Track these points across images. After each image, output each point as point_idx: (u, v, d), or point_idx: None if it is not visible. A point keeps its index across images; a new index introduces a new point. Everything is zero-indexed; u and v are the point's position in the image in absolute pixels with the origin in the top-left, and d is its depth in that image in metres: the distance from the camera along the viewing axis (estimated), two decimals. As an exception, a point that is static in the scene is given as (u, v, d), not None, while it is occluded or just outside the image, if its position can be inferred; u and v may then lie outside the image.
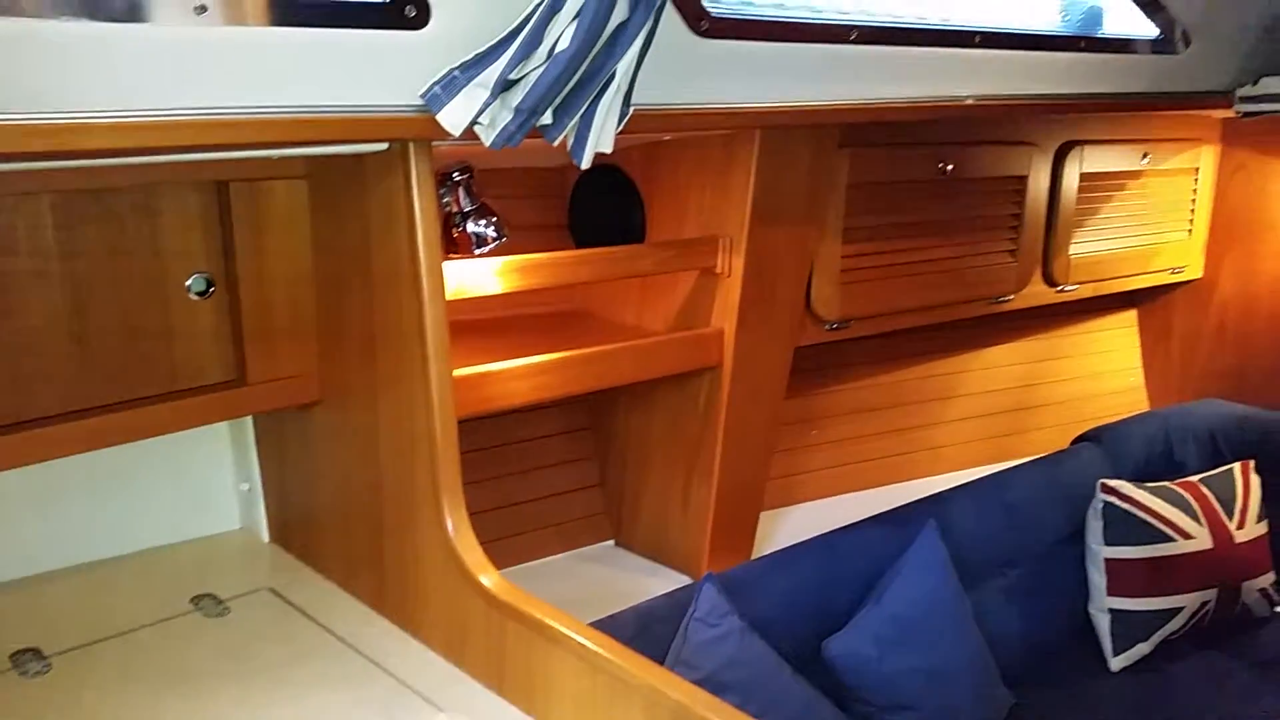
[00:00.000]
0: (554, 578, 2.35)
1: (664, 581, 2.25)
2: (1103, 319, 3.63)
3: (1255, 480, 3.07)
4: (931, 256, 2.53)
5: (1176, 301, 3.61)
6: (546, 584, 2.30)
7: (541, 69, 1.25)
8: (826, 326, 2.38)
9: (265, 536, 2.01)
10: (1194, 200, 3.36)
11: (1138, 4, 1.97)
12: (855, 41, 1.65)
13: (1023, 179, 2.70)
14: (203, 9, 1.12)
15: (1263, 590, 2.95)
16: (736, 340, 2.12)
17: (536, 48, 1.23)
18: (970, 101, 1.88)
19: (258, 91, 1.23)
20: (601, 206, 2.31)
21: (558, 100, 1.31)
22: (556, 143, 1.37)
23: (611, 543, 2.51)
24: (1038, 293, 2.94)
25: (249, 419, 1.93)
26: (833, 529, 2.39)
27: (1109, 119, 2.86)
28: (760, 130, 1.93)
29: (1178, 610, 2.76)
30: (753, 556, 2.43)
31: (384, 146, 1.47)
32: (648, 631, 1.92)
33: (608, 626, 1.85)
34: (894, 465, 3.11)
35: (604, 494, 2.51)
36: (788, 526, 2.69)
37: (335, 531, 1.81)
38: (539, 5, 1.21)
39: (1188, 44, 2.16)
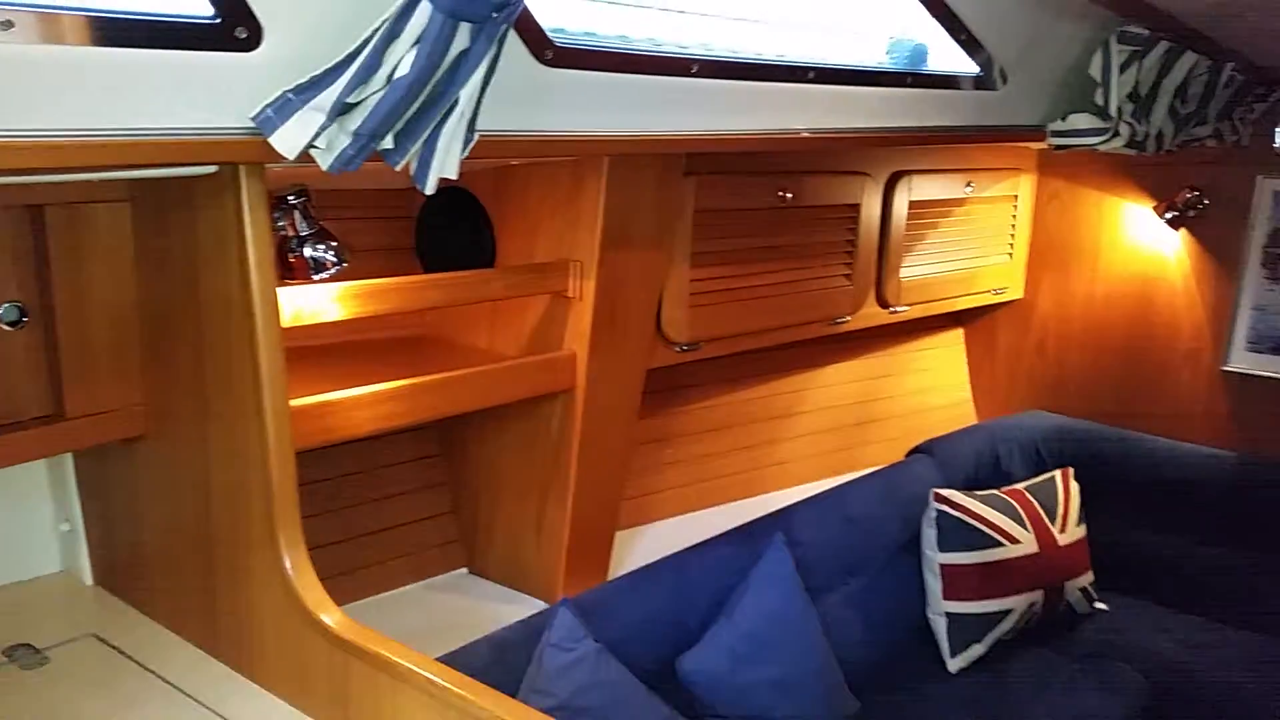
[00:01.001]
0: (406, 609, 2.30)
1: (520, 608, 2.23)
2: (933, 337, 3.84)
3: (1074, 486, 3.31)
4: (775, 280, 2.62)
5: (1000, 320, 3.85)
6: (398, 616, 2.24)
7: (381, 93, 1.23)
8: (677, 348, 2.42)
9: (88, 579, 1.88)
10: (1014, 226, 3.61)
11: (958, 43, 2.10)
12: (696, 75, 1.70)
13: (856, 206, 2.83)
14: (8, 24, 1.05)
15: (1083, 589, 3.18)
16: (589, 363, 2.13)
17: (375, 72, 1.21)
18: (805, 134, 1.97)
19: (77, 114, 1.16)
20: (450, 230, 2.29)
21: (399, 125, 1.29)
22: (399, 168, 1.34)
23: (465, 571, 2.47)
24: (872, 314, 3.08)
25: (69, 455, 1.81)
26: (685, 547, 2.43)
27: (934, 150, 3.04)
28: (608, 158, 1.96)
29: (1008, 611, 2.94)
30: (609, 578, 2.44)
31: (213, 169, 1.41)
32: (502, 660, 1.90)
33: (460, 658, 1.82)
34: (744, 481, 3.19)
35: (457, 521, 2.47)
36: (643, 546, 2.72)
37: (164, 572, 1.71)
38: (377, 30, 1.19)
39: (1005, 81, 2.32)
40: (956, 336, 3.96)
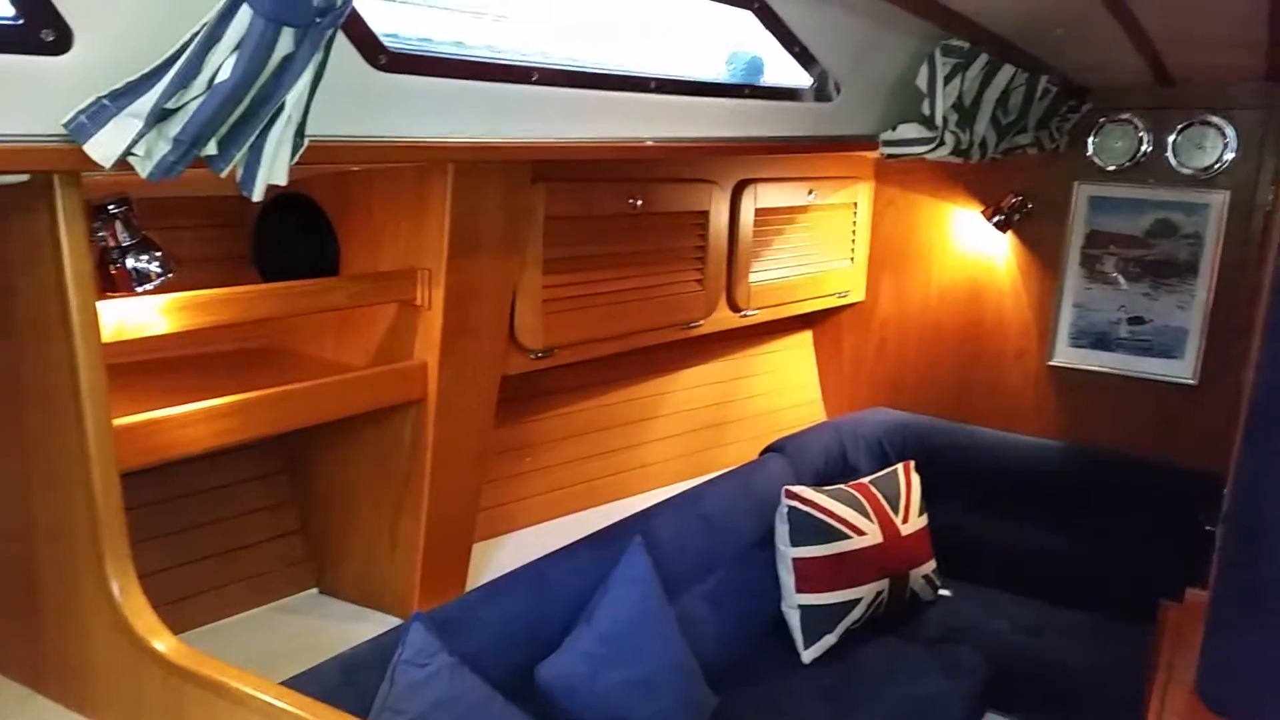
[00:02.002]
0: (254, 633, 2.21)
1: (374, 626, 2.18)
2: (783, 339, 3.97)
3: (915, 478, 3.48)
4: (628, 286, 2.66)
5: (844, 322, 4.02)
6: (245, 641, 2.16)
7: (201, 99, 1.19)
8: (532, 355, 2.42)
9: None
10: (854, 232, 3.77)
11: (793, 55, 2.19)
12: (538, 83, 1.70)
13: (705, 214, 2.90)
14: None
15: (926, 577, 3.34)
16: (440, 372, 2.11)
17: (194, 77, 1.17)
18: (651, 143, 2.00)
19: None
20: (290, 238, 2.22)
21: (223, 131, 1.25)
22: (224, 174, 1.30)
23: (316, 591, 2.39)
24: (724, 318, 3.16)
25: None
26: (545, 554, 2.43)
27: (778, 159, 3.15)
28: (454, 164, 1.94)
29: (857, 601, 3.06)
30: (467, 591, 2.42)
31: (25, 178, 1.33)
32: (354, 681, 1.85)
33: (308, 680, 1.76)
34: (605, 486, 3.21)
35: (305, 540, 2.39)
36: (504, 556, 2.70)
37: (-19, 607, 1.60)
38: (196, 34, 1.15)
39: (839, 92, 2.42)
40: (805, 338, 4.11)
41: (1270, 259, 1.96)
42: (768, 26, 2.04)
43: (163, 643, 1.38)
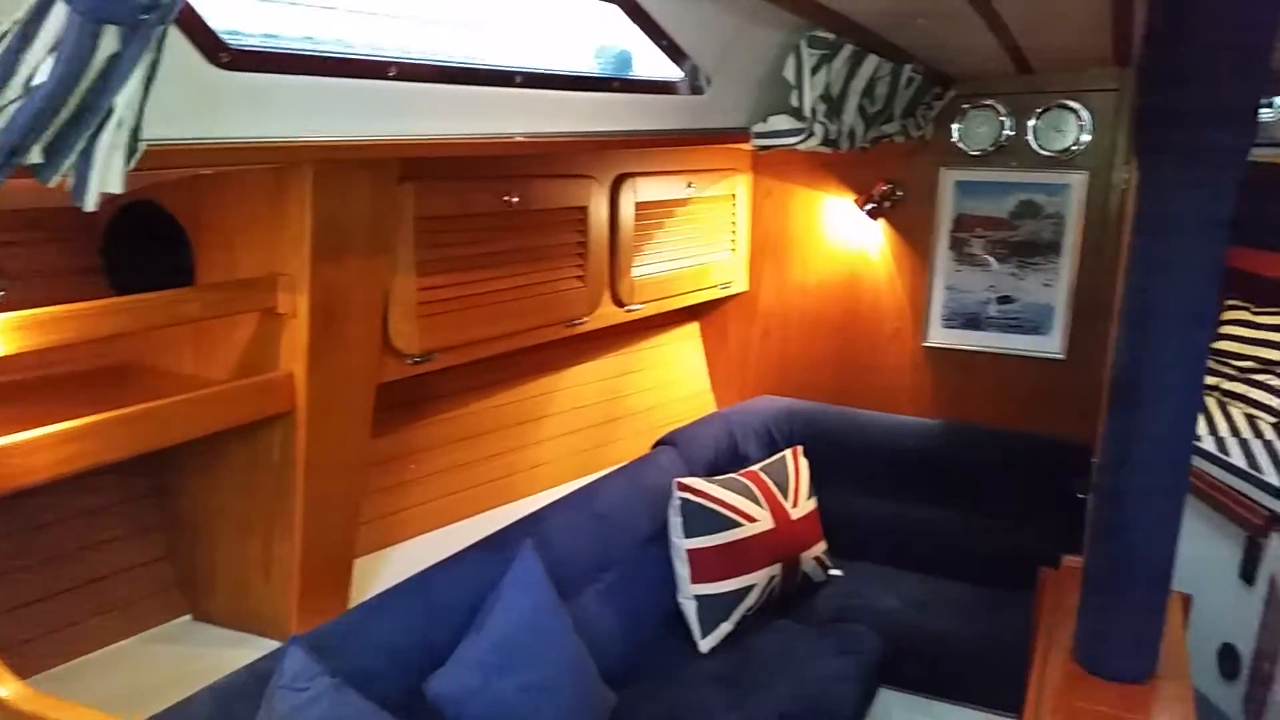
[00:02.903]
0: (121, 667, 2.09)
1: (251, 651, 2.07)
2: (670, 332, 3.98)
3: (804, 463, 3.53)
4: (507, 285, 2.61)
5: (730, 313, 4.05)
6: (113, 675, 2.05)
7: (19, 104, 1.09)
8: (409, 360, 2.35)
9: None
10: (734, 223, 3.80)
11: (661, 49, 2.17)
12: (395, 78, 1.64)
13: (584, 209, 2.87)
14: None
15: (817, 558, 3.40)
16: (309, 383, 2.03)
17: (8, 80, 1.07)
18: (520, 138, 1.96)
19: None
20: (142, 247, 2.10)
21: (48, 137, 1.16)
22: (53, 183, 1.20)
23: (189, 618, 2.28)
24: (609, 314, 3.14)
25: None
26: (432, 564, 2.37)
27: (656, 153, 3.15)
28: (313, 165, 1.86)
29: (751, 587, 3.09)
30: (351, 607, 2.34)
31: None
32: (228, 711, 1.76)
33: (178, 714, 1.67)
34: (497, 489, 3.16)
35: (176, 565, 2.27)
36: (392, 569, 2.62)
37: None
38: (7, 33, 1.06)
39: (709, 85, 2.43)
40: (693, 330, 4.13)
41: (1125, 238, 2.05)
42: (634, 20, 2.02)
43: (6, 688, 1.28)
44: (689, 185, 3.41)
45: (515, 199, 2.54)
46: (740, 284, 3.94)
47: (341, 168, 1.91)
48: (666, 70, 2.31)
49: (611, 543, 2.94)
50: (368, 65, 1.60)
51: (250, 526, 2.16)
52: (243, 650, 2.10)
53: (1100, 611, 2.13)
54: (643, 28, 2.07)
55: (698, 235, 3.59)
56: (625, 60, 2.18)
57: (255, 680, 1.80)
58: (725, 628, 3.02)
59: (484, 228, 2.51)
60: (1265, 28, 1.78)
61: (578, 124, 2.15)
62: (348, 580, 2.34)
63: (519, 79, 1.87)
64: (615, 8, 1.96)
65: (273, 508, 2.13)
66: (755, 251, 3.95)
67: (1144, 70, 1.84)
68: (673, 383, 4.02)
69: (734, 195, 3.76)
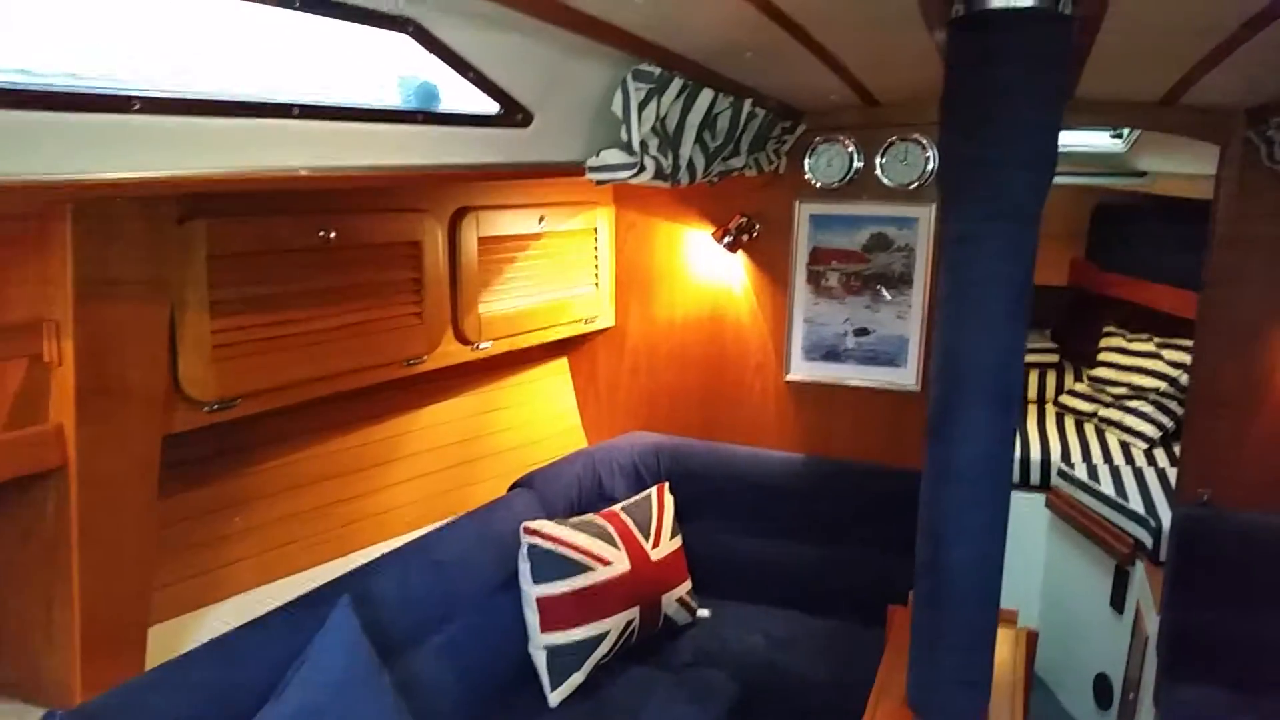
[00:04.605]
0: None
1: (24, 727, 1.92)
2: (537, 368, 3.89)
3: (669, 499, 3.46)
4: (325, 325, 2.48)
5: (598, 347, 3.98)
6: None
7: None
8: (205, 408, 2.20)
9: None
10: (597, 256, 3.74)
11: (471, 82, 2.09)
12: (140, 111, 1.53)
13: (417, 244, 2.77)
14: None
15: (680, 599, 3.32)
16: (79, 435, 1.88)
17: None
18: (304, 172, 1.86)
19: None
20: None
21: None
22: None
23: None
24: (453, 352, 3.03)
25: None
26: (236, 626, 2.22)
27: (501, 186, 3.06)
28: (72, 204, 1.73)
29: (605, 634, 2.99)
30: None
31: None
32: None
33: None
34: (337, 539, 3.00)
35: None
36: (207, 629, 2.46)
37: None
38: None
39: (532, 119, 2.35)
40: (561, 365, 4.04)
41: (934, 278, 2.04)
42: (431, 51, 1.94)
43: None
44: (541, 220, 3.33)
45: (333, 234, 2.42)
46: (606, 318, 3.87)
47: (107, 207, 1.78)
48: (482, 103, 2.23)
49: (455, 592, 2.82)
50: (108, 100, 1.48)
51: (27, 587, 1.99)
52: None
53: (926, 651, 2.09)
54: (443, 59, 1.98)
55: (555, 270, 3.51)
56: (429, 93, 2.08)
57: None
58: (577, 678, 2.91)
59: (297, 264, 2.38)
60: (1058, 70, 1.79)
61: (380, 157, 2.04)
62: (142, 644, 2.17)
63: (297, 111, 1.76)
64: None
65: (49, 568, 1.97)
66: (621, 285, 3.89)
67: (944, 113, 1.83)
68: (541, 420, 3.92)
69: (595, 229, 3.70)
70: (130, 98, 1.50)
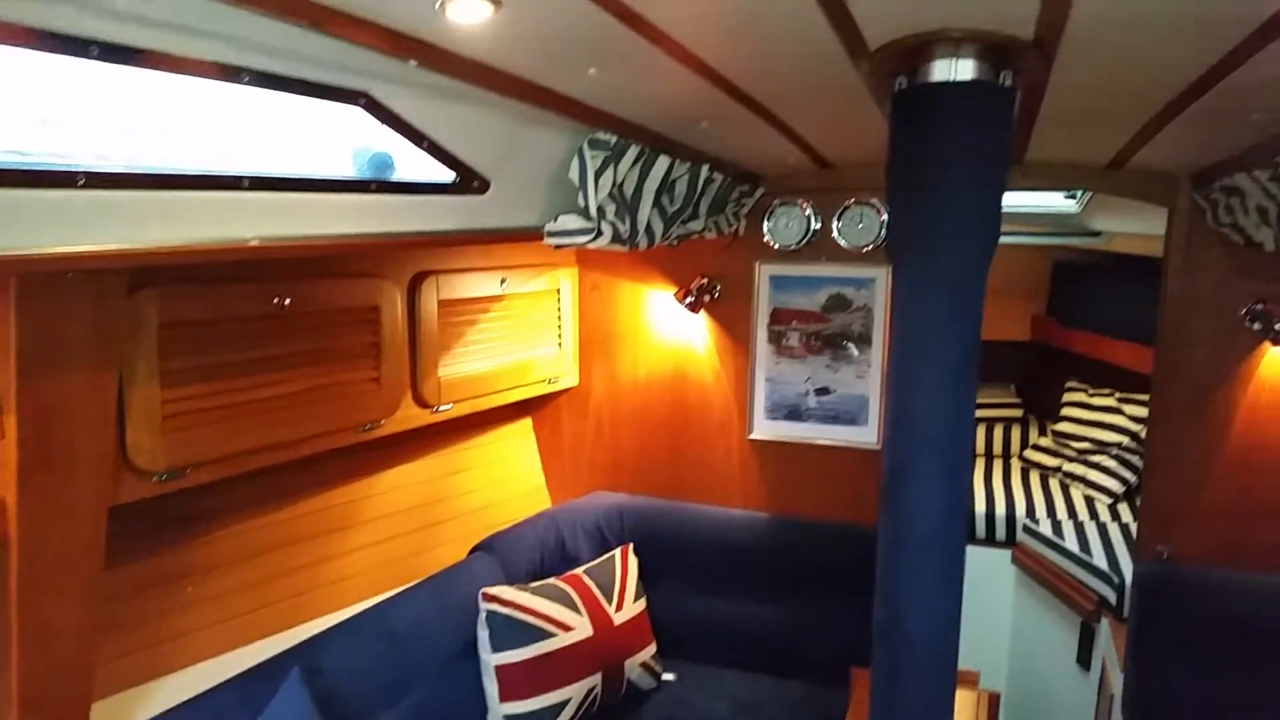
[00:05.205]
0: None
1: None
2: (502, 429, 3.87)
3: (634, 561, 3.43)
4: (279, 392, 2.46)
5: (562, 407, 3.97)
6: None
7: None
8: (154, 478, 2.17)
9: None
10: (560, 317, 3.75)
11: (426, 151, 2.11)
12: (86, 187, 1.53)
13: (375, 309, 2.77)
14: None
15: (645, 664, 3.28)
16: (20, 510, 1.84)
17: None
18: (256, 243, 1.86)
19: None
20: None
21: None
22: None
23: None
24: (412, 415, 3.01)
25: None
26: (183, 701, 2.16)
27: (459, 250, 3.07)
28: (16, 277, 1.72)
29: (565, 703, 2.94)
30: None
31: None
32: None
33: None
34: (292, 608, 2.94)
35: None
36: (155, 704, 2.39)
37: None
38: None
39: (489, 186, 2.37)
40: (526, 426, 4.02)
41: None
42: (384, 122, 1.96)
43: None
44: (503, 281, 3.34)
45: (288, 301, 2.42)
46: (570, 378, 3.87)
47: (53, 279, 1.77)
48: (437, 172, 2.24)
49: (412, 663, 2.77)
50: (51, 177, 1.48)
51: (-36, 666, 1.93)
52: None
53: (885, 715, 2.07)
54: (398, 130, 2.00)
55: (518, 330, 3.52)
56: (383, 162, 2.10)
57: None
58: (536, 747, 2.86)
59: (251, 332, 2.37)
60: (999, 139, 1.83)
61: (334, 227, 2.05)
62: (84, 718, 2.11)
63: (247, 183, 1.77)
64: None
65: (-13, 645, 1.91)
66: (585, 345, 3.90)
67: (889, 181, 1.86)
68: (505, 480, 3.89)
69: (558, 289, 3.71)
70: (75, 173, 1.50)
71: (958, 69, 1.66)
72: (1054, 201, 4.41)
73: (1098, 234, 4.83)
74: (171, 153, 1.72)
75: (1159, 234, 3.26)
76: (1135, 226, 4.28)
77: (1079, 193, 4.28)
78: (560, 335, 3.76)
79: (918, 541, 1.94)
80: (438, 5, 1.35)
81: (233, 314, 2.31)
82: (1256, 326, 3.04)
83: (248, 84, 1.56)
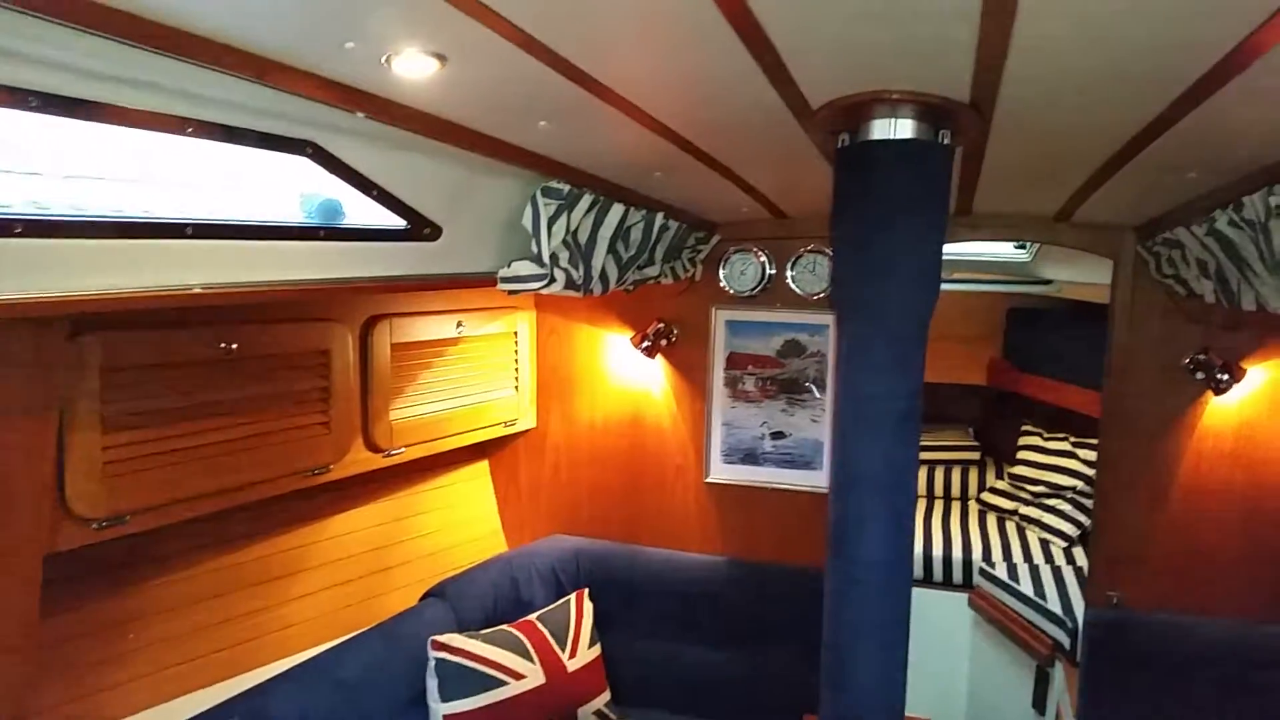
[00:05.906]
0: None
1: None
2: (458, 471, 3.84)
3: (589, 607, 3.40)
4: (225, 437, 2.44)
5: (520, 450, 3.95)
6: None
7: None
8: (94, 525, 2.13)
9: None
10: (517, 360, 3.74)
11: (373, 199, 2.12)
12: (23, 235, 1.51)
13: (326, 353, 2.75)
14: None
15: (598, 711, 3.24)
16: (-50, 560, 1.80)
17: None
18: (199, 289, 1.85)
19: None
20: None
21: None
22: None
23: None
24: (363, 459, 2.99)
25: None
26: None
27: (414, 294, 3.07)
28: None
29: (516, 751, 2.90)
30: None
31: None
32: None
33: None
34: (238, 655, 2.88)
35: None
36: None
37: None
38: None
39: (441, 233, 2.38)
40: (483, 469, 4.00)
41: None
42: (331, 171, 1.96)
43: None
44: (459, 325, 3.34)
45: (235, 345, 2.40)
46: (527, 421, 3.86)
47: (-12, 324, 1.75)
48: (387, 218, 2.25)
49: (360, 712, 2.71)
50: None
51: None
52: None
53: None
54: (346, 179, 2.01)
55: (474, 374, 3.51)
56: (332, 209, 2.11)
57: None
58: (484, 799, 2.81)
59: (196, 376, 2.35)
60: (938, 195, 1.87)
61: (281, 273, 2.04)
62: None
63: (190, 230, 1.77)
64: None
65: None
66: (542, 388, 3.90)
67: (833, 234, 1.89)
68: (460, 524, 3.85)
69: (515, 332, 3.71)
70: (12, 221, 1.49)
71: (897, 128, 1.70)
72: (1006, 251, 4.49)
73: (1049, 282, 4.91)
74: (114, 199, 1.72)
75: (1106, 283, 3.33)
76: (1084, 275, 4.36)
77: (1028, 243, 4.36)
78: (518, 378, 3.75)
79: (863, 589, 1.95)
80: (384, 60, 1.36)
81: (178, 358, 2.28)
82: (1200, 376, 3.10)
83: (191, 135, 1.56)
